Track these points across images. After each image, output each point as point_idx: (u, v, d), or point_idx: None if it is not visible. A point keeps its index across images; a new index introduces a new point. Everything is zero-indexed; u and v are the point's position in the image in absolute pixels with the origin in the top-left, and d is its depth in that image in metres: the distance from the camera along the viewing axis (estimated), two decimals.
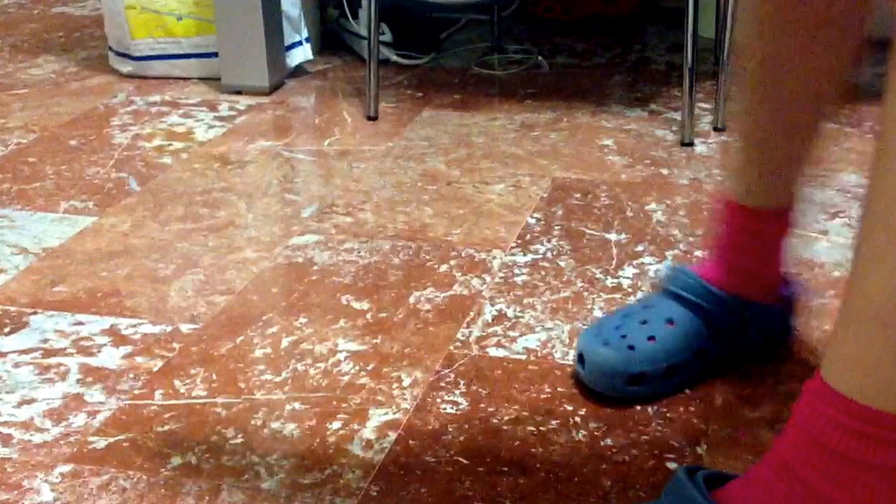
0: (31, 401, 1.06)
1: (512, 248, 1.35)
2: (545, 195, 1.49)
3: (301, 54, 1.99)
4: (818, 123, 1.03)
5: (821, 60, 0.97)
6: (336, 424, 1.02)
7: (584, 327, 1.15)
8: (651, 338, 1.05)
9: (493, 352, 1.13)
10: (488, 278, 1.28)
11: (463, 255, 1.33)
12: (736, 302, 1.08)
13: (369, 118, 1.78)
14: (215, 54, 1.93)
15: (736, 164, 1.07)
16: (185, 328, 1.18)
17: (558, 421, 1.01)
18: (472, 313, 1.20)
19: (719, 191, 1.12)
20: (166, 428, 1.02)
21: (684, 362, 1.05)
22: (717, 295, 1.07)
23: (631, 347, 1.04)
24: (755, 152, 1.05)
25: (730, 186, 1.08)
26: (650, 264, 1.30)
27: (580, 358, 1.05)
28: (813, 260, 1.30)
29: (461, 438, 0.99)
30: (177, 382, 1.09)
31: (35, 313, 1.22)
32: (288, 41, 1.95)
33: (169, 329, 1.18)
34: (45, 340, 1.17)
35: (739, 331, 1.09)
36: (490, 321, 1.19)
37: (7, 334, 1.18)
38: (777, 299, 1.13)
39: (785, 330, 1.14)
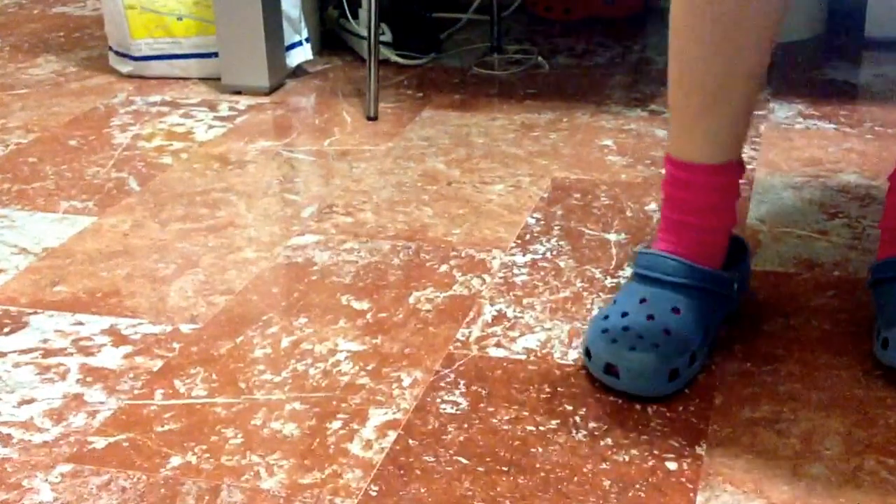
0: (31, 401, 1.06)
1: (512, 248, 1.35)
2: (545, 195, 1.49)
3: (301, 54, 1.99)
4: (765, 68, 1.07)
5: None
6: (336, 424, 1.02)
7: (583, 328, 1.16)
8: (666, 331, 1.05)
9: (493, 352, 1.13)
10: (488, 278, 1.28)
11: (463, 255, 1.33)
12: (720, 273, 1.09)
13: (369, 118, 1.78)
14: (215, 54, 1.93)
15: (690, 124, 1.09)
16: (185, 328, 1.19)
17: (558, 421, 1.01)
18: (471, 313, 1.20)
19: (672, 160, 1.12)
20: (166, 428, 1.02)
21: (700, 346, 1.06)
22: (703, 270, 1.08)
23: (656, 345, 1.03)
24: (712, 104, 1.07)
25: (685, 149, 1.10)
26: None
27: (607, 368, 1.03)
28: (813, 260, 1.30)
29: (461, 438, 0.99)
30: (177, 382, 1.09)
31: (35, 313, 1.22)
32: (288, 41, 1.95)
33: (169, 329, 1.18)
34: (45, 340, 1.17)
35: (729, 299, 1.11)
36: (490, 321, 1.19)
37: (7, 334, 1.18)
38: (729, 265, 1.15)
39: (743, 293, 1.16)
